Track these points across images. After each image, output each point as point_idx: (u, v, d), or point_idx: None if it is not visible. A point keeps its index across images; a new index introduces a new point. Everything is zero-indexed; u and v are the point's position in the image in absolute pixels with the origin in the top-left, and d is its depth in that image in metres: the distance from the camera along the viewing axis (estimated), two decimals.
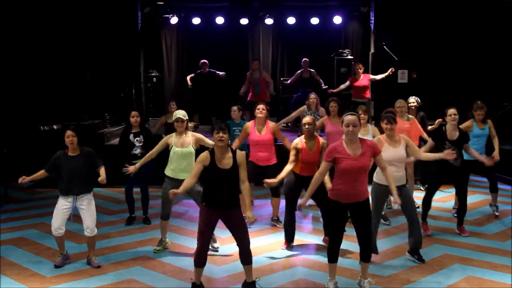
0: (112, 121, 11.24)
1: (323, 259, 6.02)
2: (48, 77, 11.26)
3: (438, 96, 11.43)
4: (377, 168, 5.79)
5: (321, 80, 11.73)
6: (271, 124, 7.15)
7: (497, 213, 7.73)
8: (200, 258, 4.98)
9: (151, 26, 13.23)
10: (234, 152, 4.89)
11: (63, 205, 5.70)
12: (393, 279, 5.49)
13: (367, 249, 5.06)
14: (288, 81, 12.22)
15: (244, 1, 13.19)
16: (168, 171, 6.26)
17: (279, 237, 6.79)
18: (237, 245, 5.04)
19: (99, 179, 5.72)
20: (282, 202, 7.30)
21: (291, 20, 13.11)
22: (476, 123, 7.49)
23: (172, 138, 6.25)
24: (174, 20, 13.09)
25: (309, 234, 6.94)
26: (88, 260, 5.89)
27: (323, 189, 5.38)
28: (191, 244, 6.58)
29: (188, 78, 12.14)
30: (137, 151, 7.26)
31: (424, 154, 6.02)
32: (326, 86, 11.68)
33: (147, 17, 12.94)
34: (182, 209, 8.20)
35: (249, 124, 7.13)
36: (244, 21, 13.27)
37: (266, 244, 6.59)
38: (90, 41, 11.55)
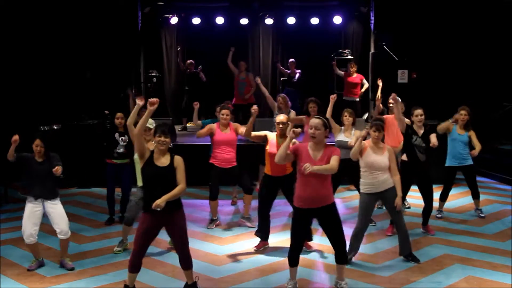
0: (112, 121, 11.22)
1: (323, 259, 6.03)
2: (48, 77, 11.26)
3: (438, 96, 11.44)
4: (361, 178, 5.85)
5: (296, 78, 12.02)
6: (233, 124, 7.32)
7: (482, 215, 7.76)
8: (135, 264, 4.88)
9: (151, 26, 13.23)
10: (172, 156, 4.88)
11: (32, 211, 5.68)
12: (393, 279, 5.49)
13: (342, 252, 5.07)
14: (279, 65, 12.62)
15: (244, 1, 13.20)
16: (139, 182, 6.20)
17: (279, 237, 6.79)
18: (176, 250, 4.99)
19: (54, 169, 5.57)
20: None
21: (291, 20, 13.11)
22: (456, 127, 7.56)
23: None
24: (174, 20, 13.09)
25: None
26: (61, 262, 5.87)
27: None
28: (192, 244, 6.53)
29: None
30: (120, 150, 7.36)
31: (396, 180, 5.82)
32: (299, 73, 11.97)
33: (147, 17, 12.94)
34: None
35: (214, 125, 7.27)
36: (244, 21, 13.27)
37: None
38: (90, 41, 11.55)
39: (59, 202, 5.84)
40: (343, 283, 5.16)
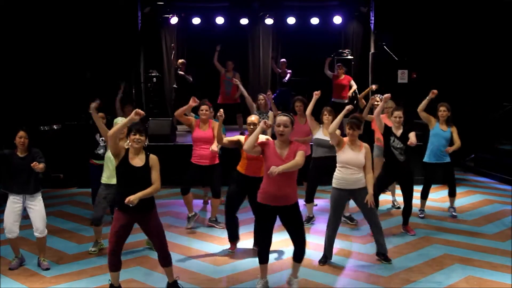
0: (111, 121, 11.22)
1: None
2: (48, 77, 11.26)
3: (438, 96, 11.42)
4: (335, 173, 5.85)
5: (287, 78, 12.04)
6: (214, 122, 7.22)
7: (455, 214, 7.74)
8: (113, 262, 4.88)
9: (151, 26, 13.23)
10: (147, 155, 4.89)
11: (13, 206, 5.69)
12: (393, 279, 5.49)
13: (301, 251, 5.07)
14: (273, 62, 12.65)
15: (244, 1, 13.20)
16: (103, 178, 6.28)
17: (277, 237, 6.79)
18: (155, 249, 5.03)
19: (34, 164, 5.48)
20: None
21: (291, 20, 13.12)
22: (438, 123, 7.56)
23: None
24: (174, 20, 13.09)
25: (309, 234, 6.94)
26: (38, 262, 5.87)
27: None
28: (191, 244, 6.59)
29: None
30: (101, 151, 7.36)
31: (368, 178, 5.82)
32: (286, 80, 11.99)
33: (147, 17, 12.94)
34: (182, 209, 8.21)
35: (194, 121, 7.23)
36: (244, 21, 13.27)
37: None
38: (90, 41, 11.55)
39: (41, 199, 5.81)
40: (295, 281, 5.16)
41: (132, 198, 4.59)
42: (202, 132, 7.13)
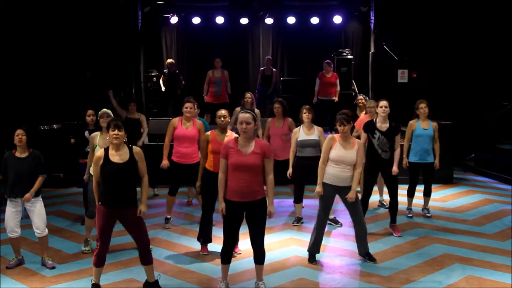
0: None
1: (323, 258, 6.03)
2: (48, 77, 11.27)
3: (438, 95, 11.46)
4: (326, 168, 5.78)
5: (276, 81, 12.00)
6: (198, 121, 7.21)
7: (428, 215, 7.68)
8: (101, 255, 4.93)
9: (151, 26, 13.25)
10: (130, 148, 4.88)
11: (12, 209, 5.67)
12: (393, 278, 5.48)
13: (260, 252, 4.99)
14: (258, 84, 12.29)
15: (244, 1, 13.22)
16: (92, 170, 6.23)
17: (278, 236, 6.80)
18: (136, 245, 5.03)
19: (32, 190, 5.61)
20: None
21: (291, 20, 13.15)
22: (419, 122, 7.44)
23: (97, 138, 6.19)
24: (174, 19, 13.11)
25: (309, 234, 6.92)
26: (42, 261, 5.86)
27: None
28: (192, 244, 6.58)
29: (161, 81, 11.99)
30: None
31: (356, 173, 5.79)
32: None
33: (147, 17, 12.97)
34: (179, 209, 8.21)
35: (176, 119, 7.15)
36: (244, 21, 13.30)
37: (266, 243, 6.56)
38: (90, 41, 11.56)
39: (40, 199, 5.79)
40: (261, 284, 5.10)
41: (143, 209, 4.83)
42: (185, 130, 7.05)
